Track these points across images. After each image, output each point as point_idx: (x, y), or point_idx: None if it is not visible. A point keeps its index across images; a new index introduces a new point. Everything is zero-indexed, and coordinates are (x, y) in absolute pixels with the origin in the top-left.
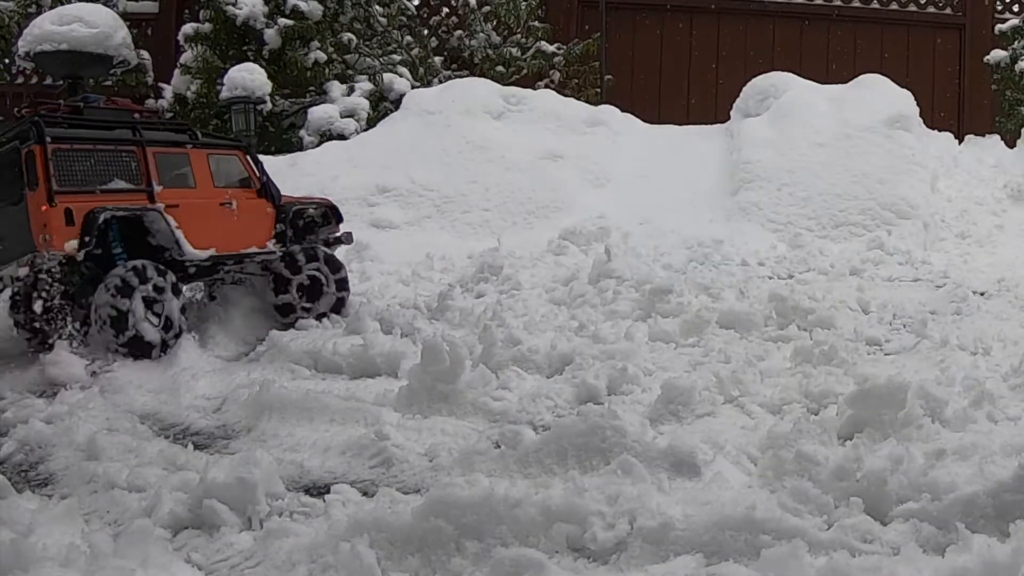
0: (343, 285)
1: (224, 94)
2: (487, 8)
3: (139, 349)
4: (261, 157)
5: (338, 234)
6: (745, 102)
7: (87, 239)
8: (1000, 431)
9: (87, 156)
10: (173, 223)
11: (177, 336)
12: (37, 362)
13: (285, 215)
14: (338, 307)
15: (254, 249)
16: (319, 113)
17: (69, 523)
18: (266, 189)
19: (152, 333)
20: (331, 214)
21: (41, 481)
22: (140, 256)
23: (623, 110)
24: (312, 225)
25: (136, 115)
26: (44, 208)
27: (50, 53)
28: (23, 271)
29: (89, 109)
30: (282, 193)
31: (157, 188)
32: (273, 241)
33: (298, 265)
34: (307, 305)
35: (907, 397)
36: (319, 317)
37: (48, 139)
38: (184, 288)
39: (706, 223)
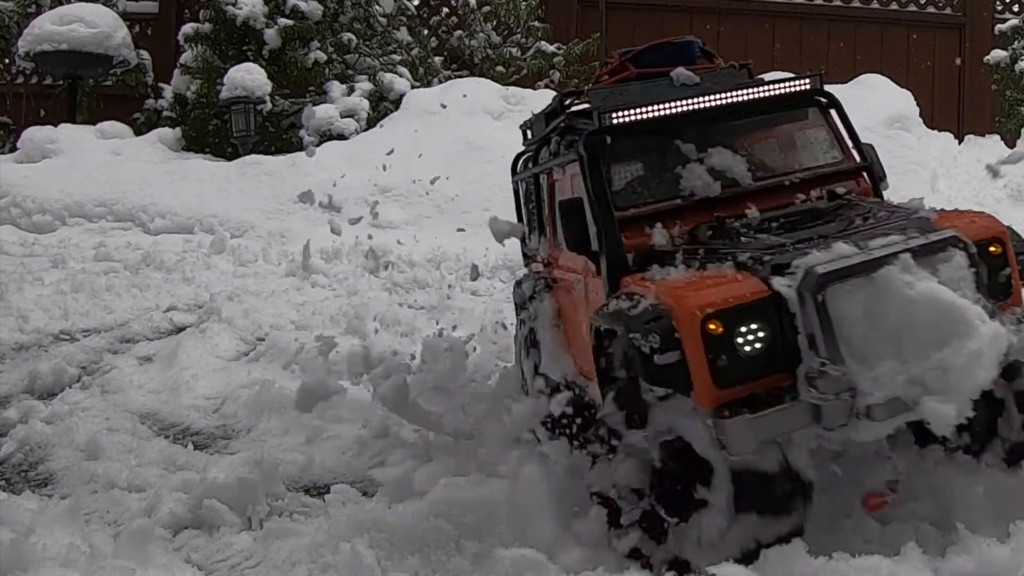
0: None
1: (224, 94)
2: (487, 8)
3: None
4: (260, 157)
5: None
6: None
7: None
8: None
9: None
10: None
11: None
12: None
13: None
14: None
15: None
16: (319, 113)
17: (69, 523)
18: None
19: None
20: None
21: (41, 481)
22: None
23: None
24: None
25: None
26: None
27: (50, 53)
28: None
29: None
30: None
31: None
32: None
33: None
34: None
35: None
36: None
37: None
38: None
39: None
